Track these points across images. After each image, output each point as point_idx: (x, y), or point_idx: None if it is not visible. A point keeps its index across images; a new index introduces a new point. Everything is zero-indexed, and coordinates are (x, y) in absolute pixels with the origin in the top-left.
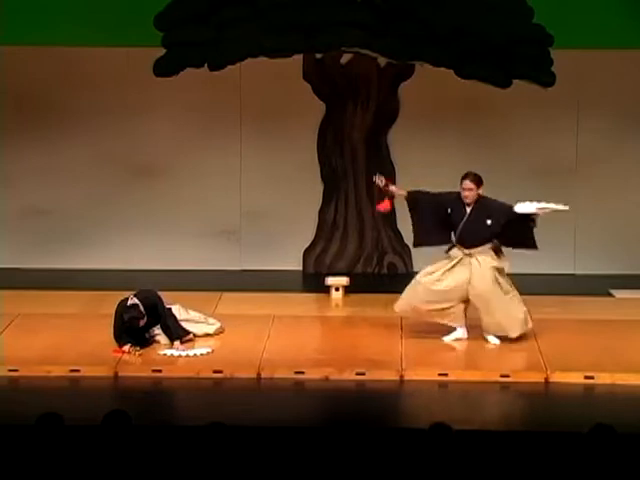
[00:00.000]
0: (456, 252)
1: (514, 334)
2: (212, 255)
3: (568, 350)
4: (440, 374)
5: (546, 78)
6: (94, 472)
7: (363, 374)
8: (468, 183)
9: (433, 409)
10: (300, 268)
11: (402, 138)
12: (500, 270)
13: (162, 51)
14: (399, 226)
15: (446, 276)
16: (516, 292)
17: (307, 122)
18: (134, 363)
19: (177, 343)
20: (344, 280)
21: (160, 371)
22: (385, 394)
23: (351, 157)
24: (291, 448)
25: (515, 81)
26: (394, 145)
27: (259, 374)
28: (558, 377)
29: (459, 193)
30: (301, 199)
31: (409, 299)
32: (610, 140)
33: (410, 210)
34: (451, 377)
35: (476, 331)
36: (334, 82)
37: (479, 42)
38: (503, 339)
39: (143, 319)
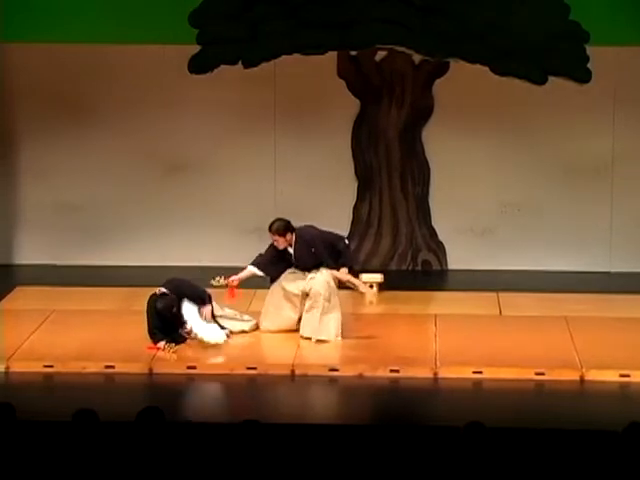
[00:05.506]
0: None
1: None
2: (246, 252)
3: (603, 348)
4: (474, 372)
5: (582, 75)
6: (128, 468)
7: (397, 371)
8: (271, 235)
9: (467, 407)
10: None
11: (436, 135)
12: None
13: (197, 48)
14: (434, 223)
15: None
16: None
17: (341, 119)
18: (169, 360)
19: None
20: (378, 277)
21: (194, 368)
22: (419, 392)
23: (386, 154)
24: (325, 445)
25: (551, 78)
26: (428, 142)
27: (293, 371)
28: (593, 375)
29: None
30: (335, 196)
31: None
32: None
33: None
34: (486, 375)
35: (510, 327)
36: (369, 79)
37: (515, 39)
38: (538, 336)
39: (176, 305)
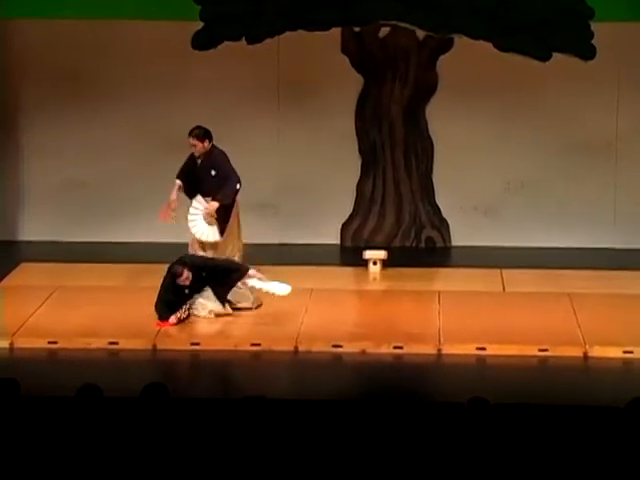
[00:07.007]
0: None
1: None
2: (250, 229)
3: (607, 325)
4: (478, 348)
5: (586, 51)
6: (132, 444)
7: (401, 348)
8: (191, 140)
9: (471, 383)
10: (338, 242)
11: (440, 111)
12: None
13: (200, 24)
14: (437, 200)
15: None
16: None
17: (345, 95)
18: (173, 336)
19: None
20: (382, 254)
21: (198, 344)
22: (423, 368)
23: (389, 130)
24: (328, 421)
25: (555, 54)
26: (432, 118)
27: (297, 347)
28: (597, 351)
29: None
30: (339, 173)
31: None
32: None
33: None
34: (489, 351)
35: (513, 304)
36: (372, 55)
37: (519, 15)
38: (542, 313)
39: (185, 272)
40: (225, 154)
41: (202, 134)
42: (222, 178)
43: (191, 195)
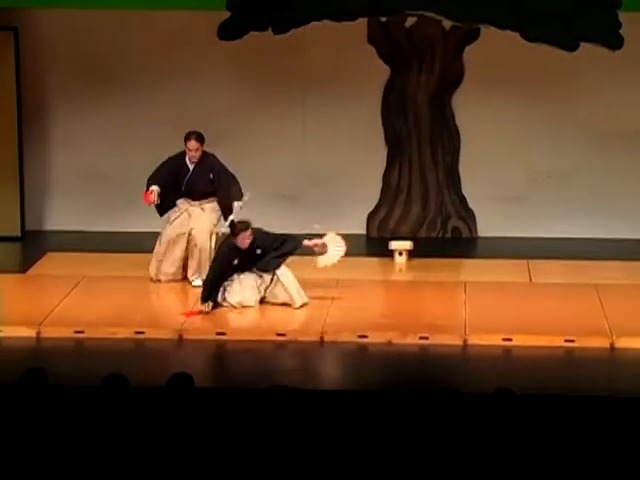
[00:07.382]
0: (181, 203)
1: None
2: (274, 219)
3: (634, 316)
4: (504, 339)
5: (614, 41)
6: (158, 433)
7: (426, 338)
8: (194, 143)
9: (497, 374)
10: (364, 232)
11: (467, 101)
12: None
13: (227, 15)
14: (463, 190)
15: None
16: None
17: (371, 86)
18: (199, 326)
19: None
20: (408, 244)
21: (224, 334)
22: (448, 359)
23: (415, 121)
24: (353, 412)
25: (582, 44)
26: (458, 108)
27: (322, 338)
28: (624, 342)
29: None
30: (365, 163)
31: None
32: None
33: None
34: (515, 342)
35: (540, 295)
36: (399, 45)
37: (546, 5)
38: (568, 304)
39: (250, 231)
40: (216, 157)
41: (201, 137)
42: (225, 179)
43: (172, 200)
